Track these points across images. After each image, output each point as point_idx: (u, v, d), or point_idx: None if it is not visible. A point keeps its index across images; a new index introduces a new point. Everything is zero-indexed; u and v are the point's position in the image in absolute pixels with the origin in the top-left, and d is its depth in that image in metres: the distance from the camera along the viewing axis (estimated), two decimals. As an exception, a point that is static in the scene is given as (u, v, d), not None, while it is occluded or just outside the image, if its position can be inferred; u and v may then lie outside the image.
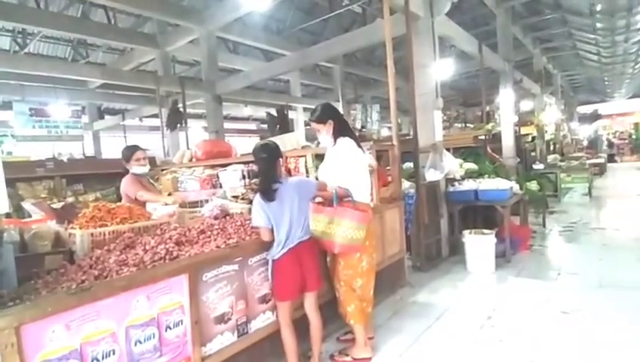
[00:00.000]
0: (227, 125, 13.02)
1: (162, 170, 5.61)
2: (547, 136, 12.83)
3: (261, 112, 14.08)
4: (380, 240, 3.40)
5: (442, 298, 3.54)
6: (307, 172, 3.94)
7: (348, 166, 2.52)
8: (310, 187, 2.44)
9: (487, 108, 12.44)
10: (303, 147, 4.16)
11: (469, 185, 4.72)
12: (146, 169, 3.39)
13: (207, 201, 3.20)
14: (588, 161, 11.04)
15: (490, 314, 3.09)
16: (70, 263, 1.97)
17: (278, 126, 9.69)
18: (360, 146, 2.63)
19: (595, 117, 24.58)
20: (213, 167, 5.02)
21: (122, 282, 1.67)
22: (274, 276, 2.25)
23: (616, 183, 11.73)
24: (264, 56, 11.88)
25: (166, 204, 2.90)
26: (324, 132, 2.62)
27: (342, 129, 2.62)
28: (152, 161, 6.49)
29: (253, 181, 3.68)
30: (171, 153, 7.82)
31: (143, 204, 2.98)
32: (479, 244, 4.18)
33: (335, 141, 2.60)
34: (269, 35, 9.91)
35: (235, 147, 5.94)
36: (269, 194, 2.20)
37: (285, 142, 5.07)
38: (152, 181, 3.56)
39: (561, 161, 10.37)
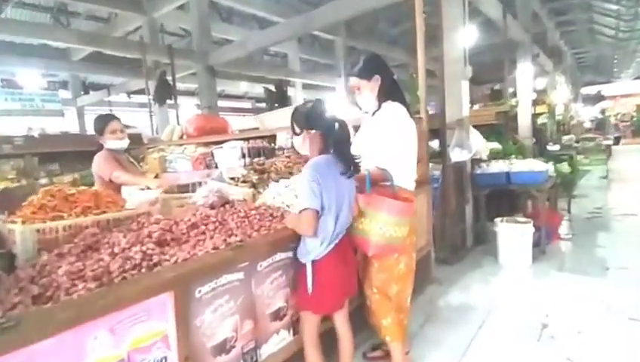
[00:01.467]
0: (221, 103, 12.27)
1: (149, 148, 4.98)
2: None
3: (258, 89, 13.33)
4: (409, 231, 2.85)
5: (478, 298, 3.02)
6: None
7: (394, 140, 1.92)
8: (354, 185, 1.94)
9: (497, 85, 11.83)
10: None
11: (499, 166, 4.15)
12: (124, 143, 2.76)
13: (200, 185, 2.59)
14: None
15: (544, 321, 2.57)
16: (10, 272, 1.39)
17: (276, 103, 8.99)
18: (412, 116, 2.02)
19: (598, 98, 24.00)
20: (206, 144, 4.40)
21: (69, 311, 1.08)
22: (315, 282, 1.68)
23: (627, 166, 11.25)
24: (259, 26, 11.04)
25: (148, 188, 2.29)
26: (368, 91, 2.01)
27: (391, 90, 2.02)
28: (138, 138, 5.84)
29: (256, 160, 3.07)
30: (160, 131, 7.13)
31: (120, 187, 2.37)
32: (515, 234, 3.65)
33: (379, 105, 2.01)
34: (265, 0, 9.08)
35: (230, 124, 5.31)
36: (353, 169, 1.75)
37: (280, 116, 4.45)
38: (132, 160, 2.93)
39: (576, 142, 9.84)
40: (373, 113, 2.06)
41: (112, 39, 7.59)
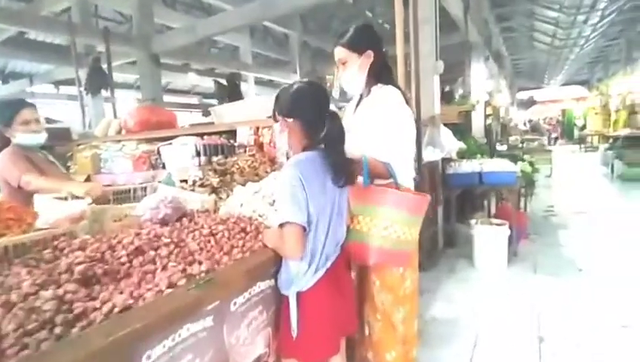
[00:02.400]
0: (165, 98, 11.31)
1: (79, 145, 4.23)
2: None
3: (206, 83, 12.48)
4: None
5: (465, 310, 2.79)
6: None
7: (395, 129, 1.56)
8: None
9: (447, 87, 12.15)
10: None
11: (471, 166, 4.00)
12: (39, 138, 2.14)
13: (143, 190, 2.07)
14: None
15: (540, 335, 2.38)
16: None
17: (228, 98, 8.34)
18: (408, 103, 1.68)
19: (531, 102, 26.03)
20: (150, 141, 3.79)
21: None
22: (301, 321, 1.28)
23: (562, 165, 12.08)
24: (207, 15, 10.28)
25: (74, 198, 1.73)
26: (356, 68, 1.62)
27: (382, 72, 1.65)
28: (65, 133, 5.00)
29: (216, 159, 2.58)
30: (93, 126, 6.23)
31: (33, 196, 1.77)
32: (491, 237, 3.50)
33: (369, 89, 1.64)
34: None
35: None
36: (350, 177, 1.38)
37: (240, 109, 3.95)
38: (52, 159, 2.30)
39: (520, 142, 10.34)
40: (358, 101, 1.71)
41: (35, 18, 6.48)
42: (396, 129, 1.58)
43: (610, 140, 11.33)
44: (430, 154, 3.86)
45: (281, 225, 1.27)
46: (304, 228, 1.25)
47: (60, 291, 0.99)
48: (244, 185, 2.20)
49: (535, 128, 18.35)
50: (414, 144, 1.73)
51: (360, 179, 1.51)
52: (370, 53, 1.61)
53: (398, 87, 1.68)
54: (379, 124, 1.58)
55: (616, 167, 8.69)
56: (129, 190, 2.04)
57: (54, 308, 0.94)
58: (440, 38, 8.02)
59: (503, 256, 3.52)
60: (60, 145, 4.41)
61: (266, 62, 13.46)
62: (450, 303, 2.92)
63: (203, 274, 1.18)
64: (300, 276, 1.30)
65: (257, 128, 3.10)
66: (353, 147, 1.57)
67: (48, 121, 6.60)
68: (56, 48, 9.93)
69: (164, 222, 1.43)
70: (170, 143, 3.15)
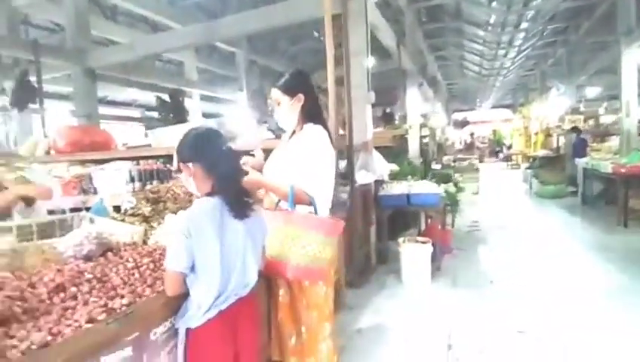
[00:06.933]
0: (104, 110, 10.81)
1: None
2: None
3: (149, 97, 12.10)
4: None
5: (389, 323, 3.05)
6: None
7: (318, 165, 1.79)
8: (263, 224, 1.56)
9: (388, 108, 12.91)
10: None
11: (400, 188, 4.37)
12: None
13: (71, 220, 2.08)
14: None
15: (449, 342, 2.69)
16: None
17: (171, 114, 8.22)
18: (333, 143, 1.91)
19: (464, 123, 28.32)
20: (83, 163, 3.70)
21: None
22: (188, 358, 1.34)
23: (490, 181, 13.23)
24: (152, 30, 10.08)
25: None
26: (287, 108, 1.86)
27: (313, 113, 1.88)
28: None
29: (150, 187, 2.62)
30: (19, 144, 5.84)
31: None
32: (417, 254, 3.84)
33: (302, 127, 1.88)
34: (159, 3, 8.29)
35: (114, 138, 4.59)
36: (245, 209, 1.41)
37: (180, 133, 4.01)
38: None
39: (453, 161, 11.21)
40: (291, 134, 1.93)
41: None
42: (319, 166, 1.81)
43: (531, 160, 12.70)
44: (363, 177, 4.16)
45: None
46: (182, 274, 1.32)
47: (-26, 333, 1.04)
48: (176, 212, 2.28)
49: (470, 147, 20.01)
50: (333, 180, 1.95)
51: (285, 204, 1.74)
52: (300, 96, 1.84)
53: (327, 128, 1.91)
54: (306, 160, 1.80)
55: (533, 185, 9.75)
56: (54, 224, 2.03)
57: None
58: (377, 64, 8.58)
59: (427, 271, 3.86)
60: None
61: (212, 79, 13.37)
62: (377, 316, 3.17)
63: (124, 308, 1.27)
64: (192, 311, 1.32)
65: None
66: (282, 174, 1.79)
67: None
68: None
69: (87, 258, 1.49)
70: (103, 168, 3.12)
